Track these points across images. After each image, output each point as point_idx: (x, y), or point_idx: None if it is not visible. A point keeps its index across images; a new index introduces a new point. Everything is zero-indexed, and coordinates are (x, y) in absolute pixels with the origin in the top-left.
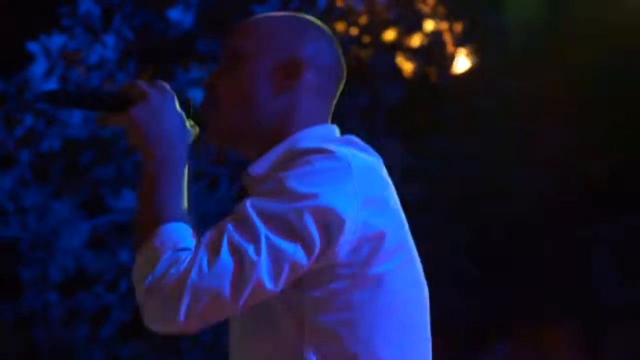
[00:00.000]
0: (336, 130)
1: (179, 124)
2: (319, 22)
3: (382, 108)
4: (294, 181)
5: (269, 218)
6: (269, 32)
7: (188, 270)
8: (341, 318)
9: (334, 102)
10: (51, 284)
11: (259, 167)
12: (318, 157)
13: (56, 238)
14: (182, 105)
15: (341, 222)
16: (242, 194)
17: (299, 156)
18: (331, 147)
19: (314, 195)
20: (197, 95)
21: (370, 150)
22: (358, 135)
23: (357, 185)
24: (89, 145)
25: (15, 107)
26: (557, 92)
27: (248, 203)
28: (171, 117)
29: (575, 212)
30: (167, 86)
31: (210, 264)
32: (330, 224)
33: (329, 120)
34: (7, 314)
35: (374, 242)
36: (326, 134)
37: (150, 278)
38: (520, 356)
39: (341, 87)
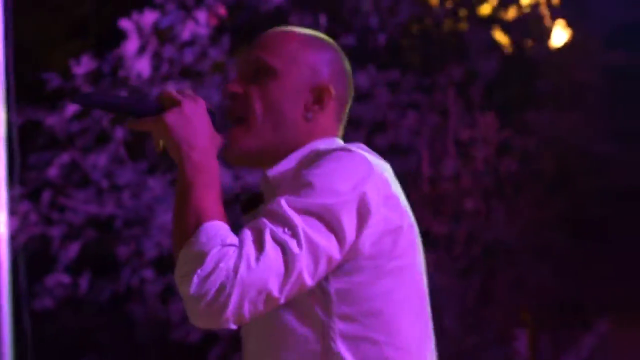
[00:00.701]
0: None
1: (210, 130)
2: (336, 46)
3: (478, 82)
4: (323, 177)
5: (304, 213)
6: (298, 51)
7: (237, 265)
8: (364, 308)
9: (346, 113)
10: (146, 260)
11: (278, 170)
12: (342, 154)
13: (151, 215)
14: (210, 114)
15: (368, 215)
16: (254, 199)
17: (323, 154)
18: (351, 148)
19: (344, 191)
20: None
21: (378, 155)
22: (454, 109)
23: (378, 182)
24: None
25: (110, 84)
26: None
27: (282, 201)
28: (203, 123)
29: None
30: (197, 96)
31: (257, 259)
32: (360, 217)
33: (340, 132)
34: (103, 291)
35: (393, 236)
36: (341, 143)
37: (200, 273)
38: (619, 333)
39: (347, 109)
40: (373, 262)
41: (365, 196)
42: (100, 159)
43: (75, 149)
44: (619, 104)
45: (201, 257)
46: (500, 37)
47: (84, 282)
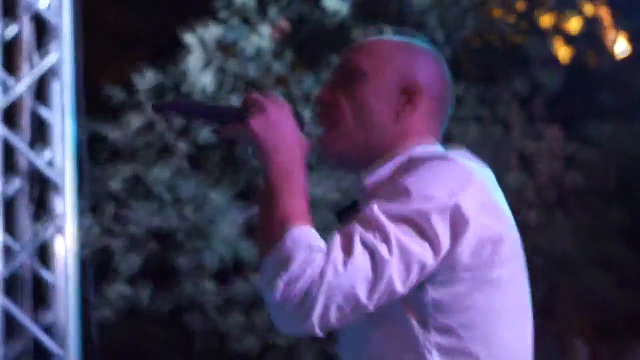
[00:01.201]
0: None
1: (296, 135)
2: (432, 50)
3: (541, 94)
4: (419, 184)
5: (397, 220)
6: (389, 54)
7: (324, 270)
8: (462, 320)
9: (444, 126)
10: (207, 272)
11: (374, 178)
12: (440, 163)
13: (213, 227)
14: (296, 118)
15: (465, 224)
16: (350, 207)
17: (420, 163)
18: (450, 155)
19: (439, 197)
20: None
21: (482, 163)
22: (517, 122)
23: (477, 190)
24: None
25: (173, 99)
26: None
27: (374, 206)
28: (289, 128)
29: None
30: (282, 99)
31: (345, 263)
32: (455, 225)
33: (438, 139)
34: (164, 303)
35: (493, 246)
36: (440, 149)
37: (285, 278)
38: None
39: (449, 112)
40: (471, 272)
41: (462, 204)
42: (162, 172)
43: (138, 162)
44: None
45: (287, 262)
46: (562, 49)
47: (144, 294)
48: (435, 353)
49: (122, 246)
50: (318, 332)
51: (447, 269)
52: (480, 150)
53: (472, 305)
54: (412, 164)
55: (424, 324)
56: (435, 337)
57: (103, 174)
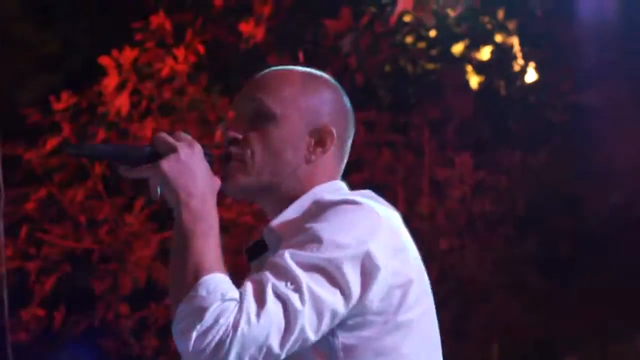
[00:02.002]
0: (345, 186)
1: (208, 175)
2: (336, 84)
3: (452, 121)
4: (328, 231)
5: (308, 268)
6: (297, 96)
7: (237, 320)
8: None
9: (347, 151)
10: (122, 295)
11: (281, 220)
12: (349, 208)
13: (128, 250)
14: (206, 157)
15: (376, 271)
16: (256, 248)
17: (328, 207)
18: (358, 199)
19: (350, 245)
20: None
21: (387, 203)
22: (429, 148)
23: (386, 235)
24: None
25: (88, 120)
26: (629, 106)
27: (286, 255)
28: (201, 169)
29: None
30: (193, 139)
31: (258, 314)
32: (366, 272)
33: (341, 171)
34: (78, 325)
35: (403, 289)
36: (343, 188)
37: (199, 328)
38: None
39: (351, 138)
40: (382, 317)
41: (372, 250)
42: (77, 194)
43: (53, 184)
44: (588, 144)
45: (201, 312)
46: (473, 76)
47: (58, 316)
48: None
49: (37, 268)
50: None
51: (358, 314)
52: (393, 176)
53: (382, 348)
54: (320, 208)
55: None
56: None
57: (18, 195)
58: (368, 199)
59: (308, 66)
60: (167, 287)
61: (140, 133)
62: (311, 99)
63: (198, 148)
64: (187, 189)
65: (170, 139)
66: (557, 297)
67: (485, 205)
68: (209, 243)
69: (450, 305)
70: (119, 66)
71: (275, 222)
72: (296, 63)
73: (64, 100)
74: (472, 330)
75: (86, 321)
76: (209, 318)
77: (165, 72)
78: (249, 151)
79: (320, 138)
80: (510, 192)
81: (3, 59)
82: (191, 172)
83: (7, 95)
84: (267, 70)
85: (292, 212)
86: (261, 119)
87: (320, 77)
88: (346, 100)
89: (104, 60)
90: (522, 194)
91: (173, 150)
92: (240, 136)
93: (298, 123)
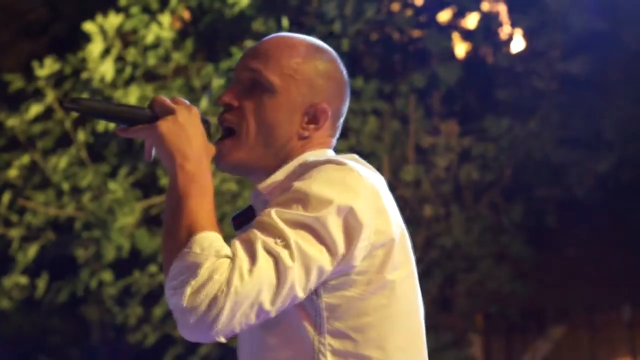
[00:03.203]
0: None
1: (203, 140)
2: (333, 53)
3: (439, 89)
4: (313, 189)
5: (295, 226)
6: (299, 69)
7: (231, 277)
8: (356, 323)
9: (340, 126)
10: (105, 263)
11: (268, 183)
12: (332, 167)
13: (111, 217)
14: (203, 123)
15: (360, 228)
16: (246, 213)
17: (313, 167)
18: (342, 160)
19: (334, 203)
20: None
21: (372, 167)
22: (415, 116)
23: (370, 195)
24: None
25: (72, 87)
26: (617, 74)
27: (272, 213)
28: (197, 133)
29: (634, 194)
30: (191, 104)
31: (250, 271)
32: (350, 230)
33: (333, 144)
34: (60, 293)
35: (385, 250)
36: (332, 154)
37: (193, 284)
38: (574, 340)
39: (345, 112)
40: (365, 276)
41: (356, 208)
42: (61, 161)
43: (35, 151)
44: (576, 113)
45: (195, 269)
46: (459, 44)
47: (41, 284)
48: (329, 356)
49: (19, 235)
50: (222, 338)
51: (342, 273)
52: (378, 144)
53: (365, 309)
54: (305, 169)
55: (319, 329)
56: (329, 341)
57: (0, 161)
58: (353, 162)
59: (292, 32)
60: (151, 255)
61: (124, 100)
62: (310, 73)
63: (195, 112)
64: (182, 150)
65: (168, 102)
66: (543, 266)
67: (471, 174)
68: (203, 203)
69: (435, 274)
70: (103, 32)
71: (263, 184)
72: (281, 29)
73: (48, 67)
74: (457, 299)
75: (69, 289)
76: (203, 274)
77: (149, 38)
78: (243, 123)
79: (315, 115)
80: (497, 161)
81: None
82: (187, 134)
83: None
84: (269, 37)
85: (279, 175)
86: (258, 89)
87: (321, 50)
88: (344, 73)
89: (88, 26)
90: (509, 162)
91: (171, 112)
92: (235, 103)
93: (294, 97)
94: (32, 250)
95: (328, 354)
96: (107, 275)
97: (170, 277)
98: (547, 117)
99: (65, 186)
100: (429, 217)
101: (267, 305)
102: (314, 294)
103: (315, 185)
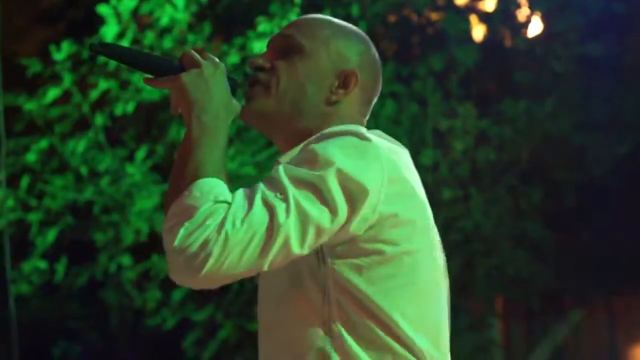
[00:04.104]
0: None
1: (226, 96)
2: (368, 38)
3: (456, 72)
4: (324, 150)
5: (298, 182)
6: (329, 37)
7: (223, 222)
8: (364, 292)
9: (371, 108)
10: (124, 247)
11: (291, 156)
12: (348, 135)
13: (129, 201)
14: (229, 81)
15: (365, 194)
16: None
17: (331, 135)
18: (361, 130)
19: (341, 164)
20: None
21: (398, 143)
22: (432, 99)
23: (383, 165)
24: (162, 108)
25: (89, 70)
26: (635, 57)
27: (280, 169)
28: (220, 88)
29: None
30: (218, 60)
31: (243, 219)
32: (354, 193)
33: (364, 124)
34: (80, 277)
35: (397, 221)
36: (356, 127)
37: (187, 225)
38: (593, 324)
39: (373, 104)
40: (373, 245)
41: (362, 174)
42: (79, 145)
43: (54, 135)
44: (593, 95)
45: (191, 211)
46: (477, 27)
47: (60, 269)
48: (340, 327)
49: (38, 220)
50: (211, 282)
51: (348, 239)
52: (396, 127)
53: (373, 278)
54: (323, 136)
55: (327, 298)
56: (336, 309)
57: (18, 146)
58: (375, 135)
59: (309, 13)
60: None
61: (140, 84)
62: (342, 43)
63: (222, 69)
64: (201, 102)
65: (197, 56)
66: (562, 249)
67: (489, 156)
68: (212, 154)
69: (454, 257)
70: (117, 15)
71: (284, 158)
72: (298, 12)
73: (65, 50)
74: (476, 283)
75: (88, 273)
76: (198, 217)
77: (164, 20)
78: (274, 80)
79: (344, 80)
80: (514, 143)
81: (4, 12)
82: (209, 88)
83: (6, 46)
84: (305, 16)
85: (300, 147)
86: (290, 51)
87: (355, 30)
88: (376, 56)
89: (102, 9)
90: (527, 145)
91: (197, 66)
92: (268, 65)
93: (325, 61)
94: (51, 235)
95: (339, 324)
96: (125, 259)
97: (168, 218)
98: (565, 100)
99: (84, 170)
100: (447, 200)
101: (257, 256)
102: (323, 259)
103: (328, 148)
